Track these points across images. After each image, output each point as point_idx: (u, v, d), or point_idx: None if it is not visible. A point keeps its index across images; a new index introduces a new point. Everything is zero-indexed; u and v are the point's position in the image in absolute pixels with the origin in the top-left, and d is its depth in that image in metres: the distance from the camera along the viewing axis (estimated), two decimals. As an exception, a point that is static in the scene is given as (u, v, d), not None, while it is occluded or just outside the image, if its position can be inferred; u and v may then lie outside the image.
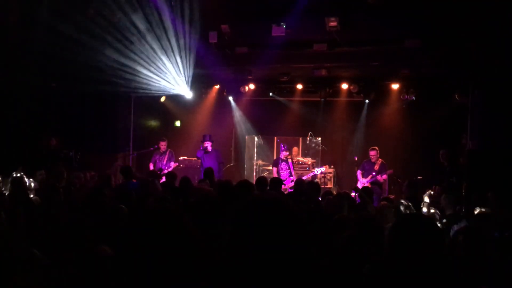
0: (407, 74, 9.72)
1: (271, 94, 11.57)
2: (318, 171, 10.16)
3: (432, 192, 5.64)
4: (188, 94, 10.98)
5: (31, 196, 5.46)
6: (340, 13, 7.71)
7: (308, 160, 11.33)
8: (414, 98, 10.25)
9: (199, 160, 10.06)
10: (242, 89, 11.25)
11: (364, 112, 11.23)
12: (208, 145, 9.86)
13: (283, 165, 9.92)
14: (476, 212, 4.62)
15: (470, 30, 7.47)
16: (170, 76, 10.32)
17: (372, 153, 9.61)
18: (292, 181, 9.44)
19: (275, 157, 11.39)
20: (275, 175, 9.68)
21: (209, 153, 9.83)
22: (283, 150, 9.98)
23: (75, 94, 9.94)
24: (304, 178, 9.00)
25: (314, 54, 9.08)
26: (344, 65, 9.62)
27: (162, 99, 11.40)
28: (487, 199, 5.45)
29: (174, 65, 9.98)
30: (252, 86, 11.30)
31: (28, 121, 9.24)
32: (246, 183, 5.05)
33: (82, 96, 10.17)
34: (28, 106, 8.99)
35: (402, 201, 4.94)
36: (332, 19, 7.68)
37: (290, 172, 9.87)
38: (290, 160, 10.01)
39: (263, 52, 8.93)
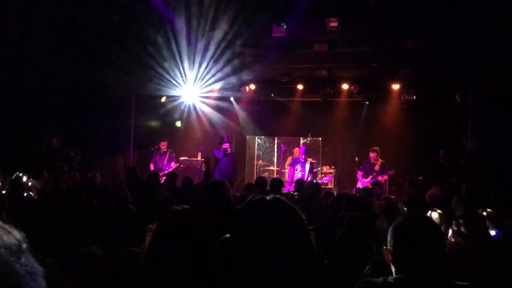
0: (408, 75, 9.71)
1: (272, 95, 11.53)
2: (326, 179, 10.26)
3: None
4: (192, 98, 11.02)
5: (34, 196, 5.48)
6: (341, 14, 7.73)
7: (309, 161, 11.31)
8: (414, 98, 10.24)
9: (217, 161, 9.92)
10: (243, 89, 11.24)
11: (365, 112, 11.20)
12: (227, 146, 9.84)
13: (299, 167, 9.57)
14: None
15: (471, 31, 7.48)
16: (175, 79, 10.38)
17: (372, 155, 9.57)
18: None
19: (281, 158, 11.33)
20: (290, 175, 9.59)
21: (228, 156, 9.79)
22: (302, 153, 9.65)
23: (76, 94, 9.94)
24: None
25: (314, 55, 9.09)
26: (345, 65, 9.63)
27: (163, 99, 11.40)
28: (488, 199, 5.44)
29: (178, 68, 10.03)
30: (252, 87, 11.29)
31: (29, 122, 9.25)
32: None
33: (83, 96, 10.18)
34: (29, 107, 9.00)
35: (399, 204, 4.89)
36: (333, 19, 7.70)
37: (303, 175, 9.45)
38: (308, 163, 9.62)
39: (264, 53, 8.94)
